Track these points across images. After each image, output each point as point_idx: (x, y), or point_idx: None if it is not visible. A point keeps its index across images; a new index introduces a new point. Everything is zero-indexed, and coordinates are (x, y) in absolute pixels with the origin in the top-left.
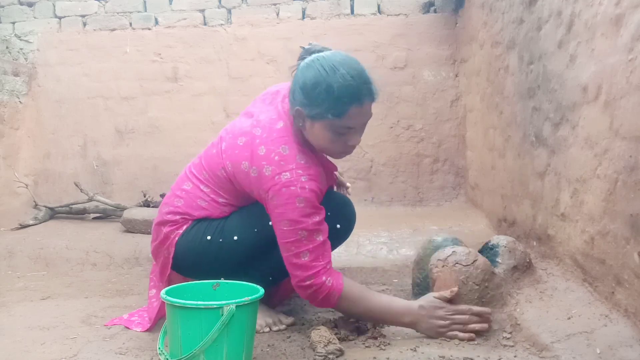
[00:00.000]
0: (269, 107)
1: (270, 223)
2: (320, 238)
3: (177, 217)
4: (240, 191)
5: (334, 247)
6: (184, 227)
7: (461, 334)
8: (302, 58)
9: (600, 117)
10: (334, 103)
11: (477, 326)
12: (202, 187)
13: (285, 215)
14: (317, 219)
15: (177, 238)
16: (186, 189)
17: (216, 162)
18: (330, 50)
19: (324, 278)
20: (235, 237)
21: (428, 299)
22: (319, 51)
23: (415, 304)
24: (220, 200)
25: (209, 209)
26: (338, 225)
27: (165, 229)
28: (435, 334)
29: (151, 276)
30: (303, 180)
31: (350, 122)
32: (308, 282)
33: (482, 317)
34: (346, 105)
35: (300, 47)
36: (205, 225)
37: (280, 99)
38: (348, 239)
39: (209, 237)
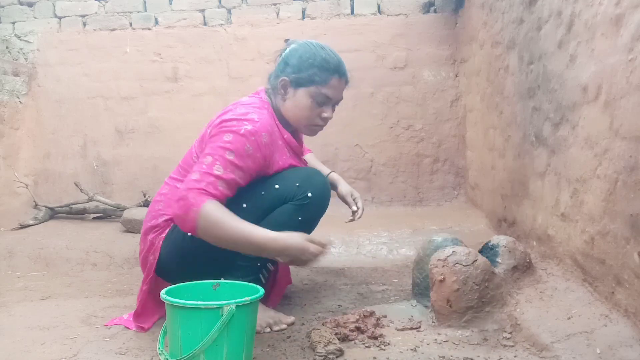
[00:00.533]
0: (236, 106)
1: (244, 205)
2: (217, 172)
3: (160, 220)
4: None
5: (312, 222)
6: (167, 231)
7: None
8: (282, 50)
9: (600, 117)
10: (320, 70)
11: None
12: (178, 184)
13: (215, 149)
14: (230, 158)
15: (161, 242)
16: (164, 192)
17: (189, 154)
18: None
19: (193, 194)
20: (244, 205)
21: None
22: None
23: (275, 234)
24: None
25: None
26: (309, 194)
27: (150, 236)
28: (288, 261)
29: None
30: (246, 124)
31: (330, 92)
32: (178, 195)
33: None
34: (330, 74)
35: (285, 40)
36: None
37: (249, 96)
38: (348, 239)
39: (190, 234)
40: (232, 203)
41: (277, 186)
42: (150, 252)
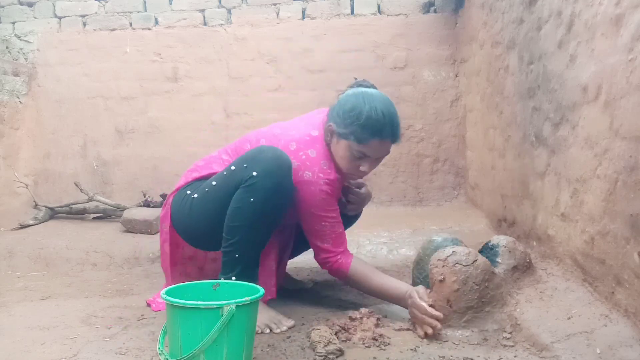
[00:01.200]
0: (308, 119)
1: (214, 183)
2: (339, 229)
3: (189, 178)
4: None
5: (269, 202)
6: (182, 186)
7: (419, 330)
8: (351, 87)
9: (600, 117)
10: (360, 129)
11: (428, 330)
12: (223, 155)
13: (309, 209)
14: (334, 213)
15: (174, 194)
16: (211, 154)
17: (247, 139)
18: (376, 89)
19: (339, 258)
20: (206, 190)
21: (417, 290)
22: (367, 87)
23: (405, 292)
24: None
25: (217, 170)
26: (254, 173)
27: (170, 197)
28: (412, 316)
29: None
30: (322, 183)
31: (368, 151)
32: (328, 263)
33: (433, 324)
34: (369, 135)
35: (354, 78)
36: (194, 184)
37: (322, 115)
38: (348, 239)
39: (188, 192)
40: (209, 180)
41: (233, 168)
42: (164, 208)
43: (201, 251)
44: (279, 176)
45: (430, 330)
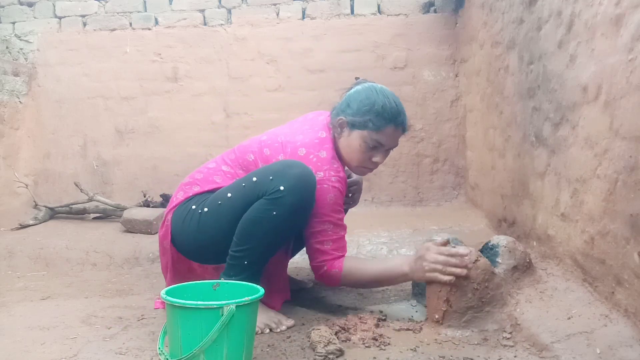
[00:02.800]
0: (311, 123)
1: (229, 195)
2: (342, 232)
3: (189, 192)
4: None
5: (292, 217)
6: (181, 202)
7: (441, 276)
8: (354, 85)
9: (600, 117)
10: (377, 117)
11: (456, 270)
12: (223, 167)
13: (316, 209)
14: (341, 215)
15: (172, 211)
16: (209, 167)
17: (248, 149)
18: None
19: (335, 262)
20: (220, 202)
21: (422, 245)
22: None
23: (406, 261)
24: (235, 180)
25: (221, 183)
26: (281, 187)
27: (168, 214)
28: (421, 276)
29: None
30: (334, 180)
31: (383, 139)
32: (323, 267)
33: (460, 260)
34: (385, 122)
35: (355, 77)
36: (196, 198)
37: (322, 117)
38: (348, 239)
39: (193, 207)
40: (222, 191)
41: (254, 179)
42: (164, 225)
43: (208, 266)
44: (306, 194)
45: (459, 271)
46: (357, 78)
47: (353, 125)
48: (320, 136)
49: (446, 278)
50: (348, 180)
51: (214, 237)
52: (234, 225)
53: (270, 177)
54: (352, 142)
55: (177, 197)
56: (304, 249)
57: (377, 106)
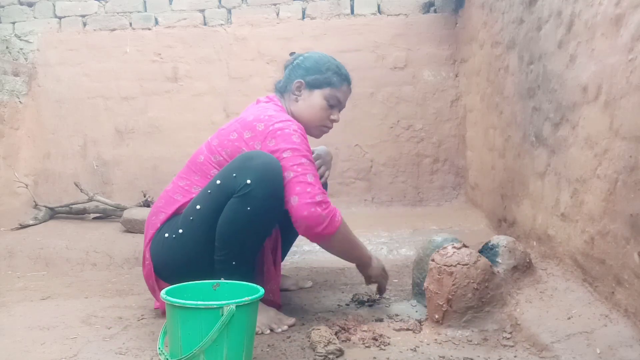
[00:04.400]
0: (251, 109)
1: (198, 207)
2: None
3: (157, 222)
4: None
5: (266, 209)
6: (153, 235)
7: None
8: (293, 59)
9: (600, 117)
10: (335, 75)
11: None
12: (180, 182)
13: (285, 146)
14: (310, 157)
15: (148, 247)
16: (167, 189)
17: (197, 154)
18: None
19: (328, 200)
20: (192, 218)
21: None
22: None
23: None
24: (193, 188)
25: (182, 199)
26: (248, 181)
27: (146, 252)
28: (375, 275)
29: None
30: (294, 126)
31: (341, 96)
32: (319, 199)
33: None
34: (342, 79)
35: (290, 53)
36: (166, 225)
37: (257, 104)
38: None
39: (166, 235)
40: (190, 207)
41: (218, 182)
42: (145, 265)
43: None
44: (274, 181)
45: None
46: (291, 54)
47: (312, 85)
48: (268, 108)
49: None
50: (313, 154)
51: (197, 254)
52: (212, 234)
53: (234, 175)
54: (314, 100)
55: (149, 231)
56: (289, 250)
57: (332, 66)
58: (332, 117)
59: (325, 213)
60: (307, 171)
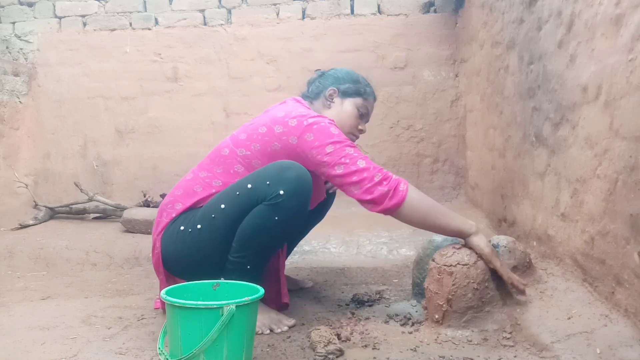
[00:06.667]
0: (281, 106)
1: (222, 206)
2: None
3: (172, 212)
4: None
5: (292, 220)
6: (167, 225)
7: (497, 261)
8: (320, 73)
9: (600, 117)
10: (364, 87)
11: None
12: (201, 174)
13: (326, 140)
14: (350, 142)
15: (160, 236)
16: (187, 179)
17: (221, 146)
18: None
19: (389, 173)
20: (213, 215)
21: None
22: None
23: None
24: (214, 182)
25: (202, 192)
26: (281, 191)
27: (157, 240)
28: (484, 246)
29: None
30: (327, 119)
31: (369, 107)
32: (378, 178)
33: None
34: (370, 95)
35: (315, 70)
36: (182, 217)
37: (291, 100)
38: (348, 239)
39: (182, 227)
40: (212, 204)
41: (249, 186)
42: (154, 254)
43: None
44: (305, 196)
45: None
46: (317, 70)
47: (345, 94)
48: (298, 107)
49: (498, 265)
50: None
51: (212, 252)
52: (231, 235)
53: (267, 182)
54: (346, 108)
55: (162, 219)
56: (291, 251)
57: (362, 79)
58: (360, 127)
59: (388, 188)
60: (356, 158)
